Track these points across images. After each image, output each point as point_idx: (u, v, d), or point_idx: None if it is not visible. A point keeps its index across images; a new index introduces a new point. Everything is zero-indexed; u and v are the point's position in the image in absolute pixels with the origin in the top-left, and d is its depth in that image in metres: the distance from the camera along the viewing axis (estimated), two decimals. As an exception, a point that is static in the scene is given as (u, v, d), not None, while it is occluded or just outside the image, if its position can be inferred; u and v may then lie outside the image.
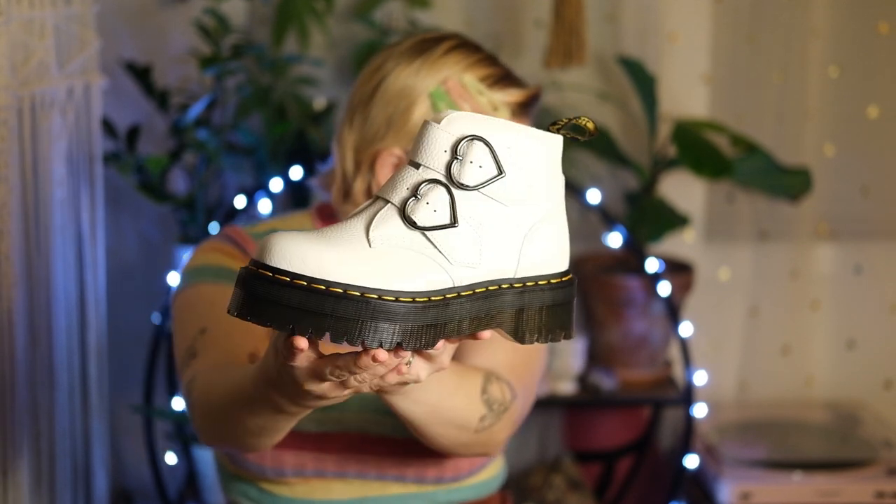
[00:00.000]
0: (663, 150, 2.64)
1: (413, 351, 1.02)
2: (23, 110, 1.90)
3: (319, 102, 2.58)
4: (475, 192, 1.01)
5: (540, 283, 1.06)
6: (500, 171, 1.01)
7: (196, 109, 2.36)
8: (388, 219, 1.00)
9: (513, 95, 1.42)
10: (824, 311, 2.84)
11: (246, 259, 1.43)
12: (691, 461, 2.51)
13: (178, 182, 2.61)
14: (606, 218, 2.48)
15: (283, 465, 1.44)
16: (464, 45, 1.44)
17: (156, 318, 2.44)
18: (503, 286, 1.03)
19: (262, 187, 2.39)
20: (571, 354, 2.55)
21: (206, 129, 2.40)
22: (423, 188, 1.00)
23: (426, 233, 0.99)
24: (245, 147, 2.49)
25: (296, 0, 2.47)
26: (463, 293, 1.00)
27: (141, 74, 2.41)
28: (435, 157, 1.01)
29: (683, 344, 2.48)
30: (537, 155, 1.03)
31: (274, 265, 0.96)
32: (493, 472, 1.54)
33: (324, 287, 0.95)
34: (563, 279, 1.08)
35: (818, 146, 2.75)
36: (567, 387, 2.53)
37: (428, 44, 1.43)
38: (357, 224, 1.00)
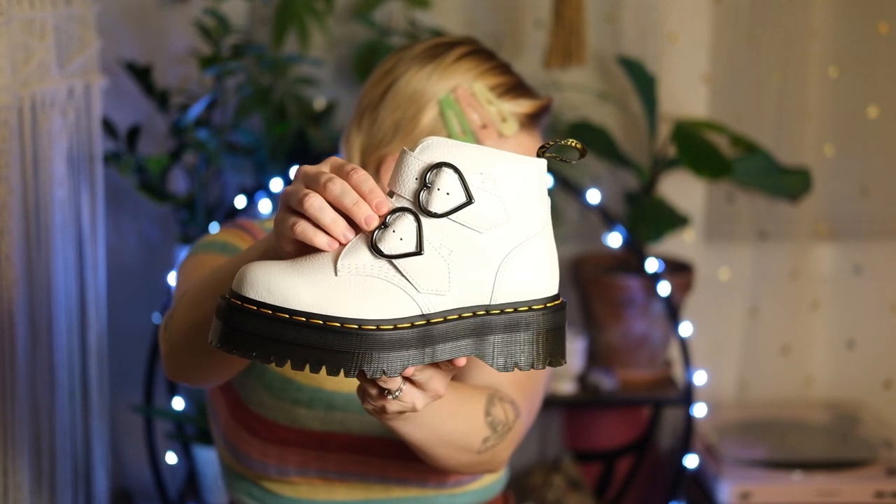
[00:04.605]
0: (663, 150, 2.64)
1: (403, 379, 1.04)
2: (23, 110, 1.89)
3: (319, 102, 2.58)
4: (445, 219, 1.00)
5: (520, 309, 1.04)
6: (469, 199, 1.00)
7: (196, 109, 2.36)
8: (357, 248, 1.00)
9: (523, 106, 1.41)
10: (824, 311, 2.84)
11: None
12: (691, 461, 2.52)
13: (178, 182, 2.61)
14: (606, 218, 2.48)
15: (287, 463, 1.44)
16: (477, 52, 1.42)
17: (156, 318, 2.44)
18: (478, 313, 1.03)
19: (262, 187, 2.39)
20: (571, 354, 2.55)
21: (206, 129, 2.40)
22: (392, 217, 1.01)
23: (392, 260, 1.00)
24: (245, 147, 2.49)
25: (296, 0, 2.47)
26: (433, 321, 1.00)
27: (141, 74, 2.41)
28: (406, 185, 1.01)
29: (683, 344, 2.48)
30: (515, 180, 1.02)
31: (257, 299, 0.97)
32: (495, 477, 1.53)
33: (287, 315, 0.97)
34: (549, 304, 1.05)
35: (818, 146, 2.75)
36: (567, 387, 2.53)
37: (441, 49, 1.41)
38: (329, 253, 1.01)
